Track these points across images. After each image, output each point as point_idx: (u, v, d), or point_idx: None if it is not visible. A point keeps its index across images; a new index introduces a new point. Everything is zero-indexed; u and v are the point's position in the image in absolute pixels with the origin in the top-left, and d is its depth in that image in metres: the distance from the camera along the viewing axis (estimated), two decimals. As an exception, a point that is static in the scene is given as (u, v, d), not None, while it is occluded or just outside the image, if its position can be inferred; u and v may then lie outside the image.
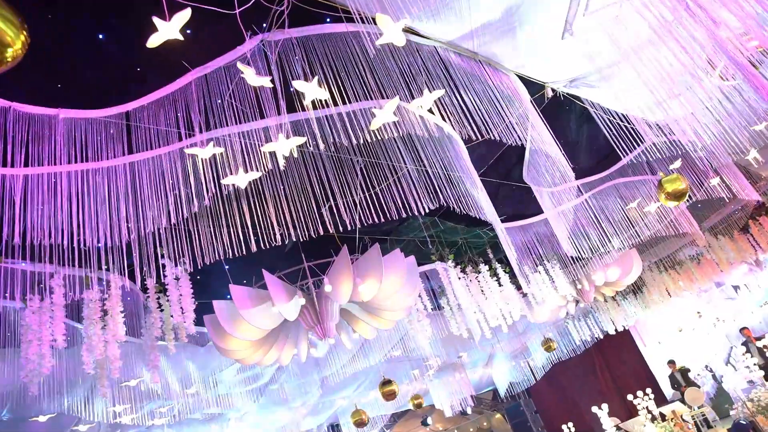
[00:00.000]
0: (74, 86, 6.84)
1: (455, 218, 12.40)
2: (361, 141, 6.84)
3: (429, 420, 28.51)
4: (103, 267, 7.24)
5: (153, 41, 4.88)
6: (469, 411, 26.12)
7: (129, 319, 10.00)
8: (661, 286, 20.57)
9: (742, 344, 17.95)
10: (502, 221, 12.18)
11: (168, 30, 4.84)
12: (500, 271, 13.06)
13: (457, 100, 7.30)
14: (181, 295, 8.35)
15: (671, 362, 20.55)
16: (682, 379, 19.76)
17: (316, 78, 5.72)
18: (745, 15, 4.56)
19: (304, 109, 6.22)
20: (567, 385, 26.70)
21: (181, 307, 8.36)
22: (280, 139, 6.02)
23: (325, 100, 6.04)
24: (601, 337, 23.01)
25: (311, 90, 5.77)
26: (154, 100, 6.80)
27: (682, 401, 17.44)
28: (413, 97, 6.60)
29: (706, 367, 22.20)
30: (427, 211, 7.95)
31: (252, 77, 5.42)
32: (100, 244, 7.02)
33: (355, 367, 18.21)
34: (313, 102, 5.97)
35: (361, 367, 18.44)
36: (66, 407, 11.04)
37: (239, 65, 5.32)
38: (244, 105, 6.62)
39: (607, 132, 8.98)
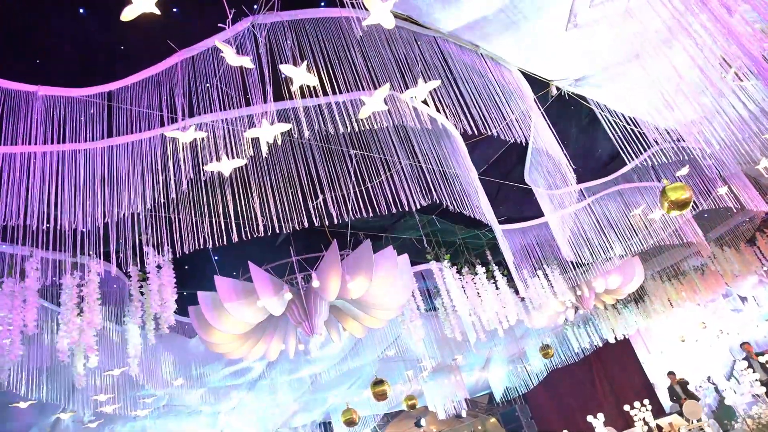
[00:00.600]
0: (53, 62, 6.53)
1: (453, 218, 12.11)
2: (349, 130, 6.52)
3: (423, 422, 28.19)
4: (87, 252, 7.01)
5: (127, 14, 4.58)
6: (464, 414, 25.82)
7: (116, 307, 9.82)
8: (663, 296, 20.31)
9: (743, 359, 17.69)
10: (502, 223, 11.88)
11: (143, 3, 4.53)
12: (498, 273, 12.75)
13: (455, 93, 7.00)
14: (161, 284, 8.06)
15: (671, 373, 20.29)
16: (681, 392, 19.48)
17: (305, 63, 5.43)
18: (764, 4, 4.25)
19: (292, 97, 5.91)
20: (564, 392, 26.48)
21: (162, 297, 8.08)
22: (264, 125, 5.73)
23: (314, 87, 5.76)
24: (601, 345, 22.77)
25: (300, 75, 5.48)
26: (138, 81, 6.53)
27: (681, 414, 17.16)
28: (408, 87, 6.31)
29: (708, 379, 21.94)
30: (419, 206, 7.66)
31: (231, 56, 5.11)
32: (84, 229, 6.76)
33: (348, 365, 17.98)
34: (301, 88, 5.69)
35: (354, 365, 18.20)
36: (45, 394, 10.76)
37: (217, 43, 5.00)
38: (230, 89, 6.33)
39: (613, 135, 8.68)
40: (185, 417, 17.59)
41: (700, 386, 21.88)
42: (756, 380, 15.40)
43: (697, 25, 5.05)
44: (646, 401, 17.27)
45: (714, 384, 21.43)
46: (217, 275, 9.52)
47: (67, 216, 6.49)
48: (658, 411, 21.35)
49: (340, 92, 6.20)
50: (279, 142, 6.04)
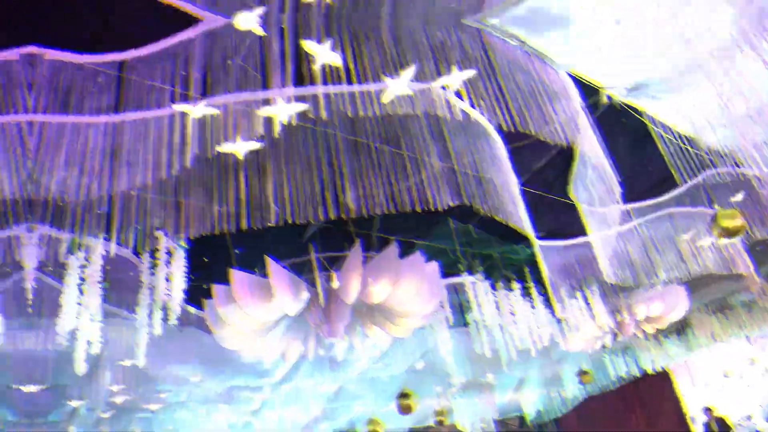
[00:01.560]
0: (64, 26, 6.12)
1: (491, 228, 11.54)
2: (371, 115, 6.01)
3: (450, 440, 27.61)
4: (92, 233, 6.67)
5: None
6: (492, 435, 25.27)
7: (129, 294, 9.43)
8: (707, 329, 19.45)
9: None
10: (542, 238, 11.29)
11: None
12: (534, 291, 12.15)
13: (495, 87, 6.45)
14: (169, 271, 7.65)
15: (708, 410, 19.45)
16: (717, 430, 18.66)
17: (329, 41, 4.97)
18: None
19: (313, 82, 5.42)
20: (597, 420, 25.80)
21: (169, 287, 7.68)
22: (279, 103, 5.28)
23: (337, 69, 5.30)
24: (639, 375, 22.01)
25: (322, 53, 5.04)
26: (155, 51, 6.09)
27: (716, 453, 16.40)
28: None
29: (748, 418, 21.10)
30: (448, 208, 7.12)
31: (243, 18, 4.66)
32: (101, 210, 6.41)
33: (375, 374, 17.50)
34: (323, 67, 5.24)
35: (382, 375, 17.72)
36: (51, 379, 10.49)
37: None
38: (249, 66, 5.87)
39: (667, 154, 8.07)
40: (203, 415, 17.24)
41: (740, 424, 21.05)
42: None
43: None
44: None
45: (753, 423, 20.65)
46: (235, 268, 9.07)
47: (73, 192, 6.13)
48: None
49: (366, 78, 5.70)
50: (293, 123, 5.58)
